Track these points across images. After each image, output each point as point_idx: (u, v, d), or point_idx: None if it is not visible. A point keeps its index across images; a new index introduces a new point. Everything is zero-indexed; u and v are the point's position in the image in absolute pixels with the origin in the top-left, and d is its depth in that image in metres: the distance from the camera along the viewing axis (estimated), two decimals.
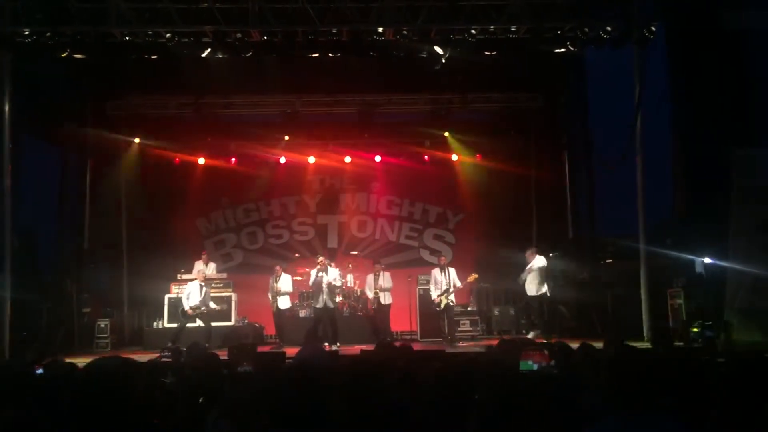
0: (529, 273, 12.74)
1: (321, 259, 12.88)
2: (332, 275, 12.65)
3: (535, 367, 5.49)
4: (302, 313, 14.05)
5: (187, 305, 12.63)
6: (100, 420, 2.12)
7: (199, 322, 12.80)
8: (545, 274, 12.73)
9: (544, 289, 12.68)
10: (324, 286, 12.47)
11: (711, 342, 10.01)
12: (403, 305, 14.13)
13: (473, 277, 13.24)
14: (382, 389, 3.46)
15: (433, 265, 13.89)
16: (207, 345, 11.77)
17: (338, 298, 12.85)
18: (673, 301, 12.10)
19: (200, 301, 12.58)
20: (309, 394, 3.02)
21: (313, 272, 12.74)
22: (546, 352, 5.48)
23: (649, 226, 12.26)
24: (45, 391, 3.33)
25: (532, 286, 12.70)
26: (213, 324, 12.88)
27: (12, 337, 11.13)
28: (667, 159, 12.81)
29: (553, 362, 5.47)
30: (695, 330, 10.98)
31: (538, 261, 12.79)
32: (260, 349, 12.04)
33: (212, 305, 12.75)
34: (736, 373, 2.96)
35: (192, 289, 12.74)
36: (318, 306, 12.62)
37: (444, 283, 12.97)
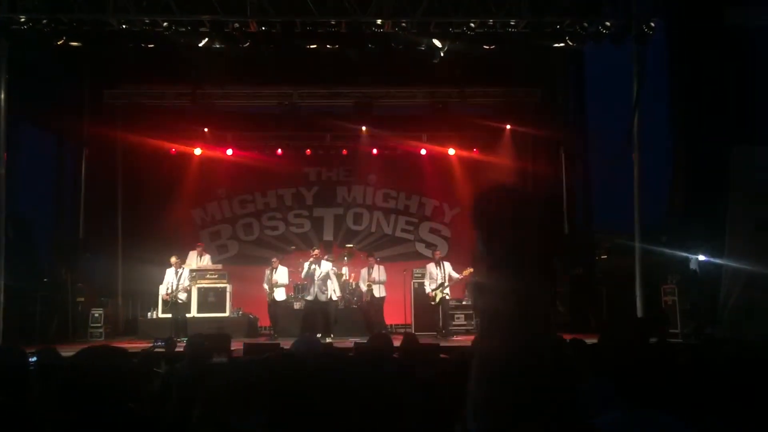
0: None
1: (315, 251, 12.87)
2: (325, 268, 12.60)
3: None
4: (297, 305, 14.03)
5: (162, 291, 12.77)
6: (88, 408, 2.11)
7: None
8: None
9: None
10: (316, 278, 12.44)
11: (710, 338, 10.03)
12: (398, 298, 14.13)
13: (468, 271, 13.24)
14: (378, 381, 3.44)
15: (429, 259, 13.89)
16: (172, 337, 11.89)
17: (330, 291, 12.73)
18: (667, 297, 12.13)
19: (175, 286, 12.60)
20: (299, 386, 3.00)
21: (306, 264, 12.71)
22: None
23: (645, 222, 12.25)
24: (37, 380, 3.32)
25: None
26: (204, 315, 13.01)
27: (5, 324, 11.10)
28: (665, 156, 12.82)
29: None
30: (689, 326, 11.02)
31: None
32: (253, 340, 12.10)
33: (181, 295, 12.68)
34: (735, 368, 2.96)
35: (167, 277, 12.79)
36: (309, 298, 12.60)
37: (439, 277, 12.98)
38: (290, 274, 13.56)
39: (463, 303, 14.39)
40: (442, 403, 3.49)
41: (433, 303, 13.06)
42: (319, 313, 12.56)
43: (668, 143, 12.76)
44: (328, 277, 12.64)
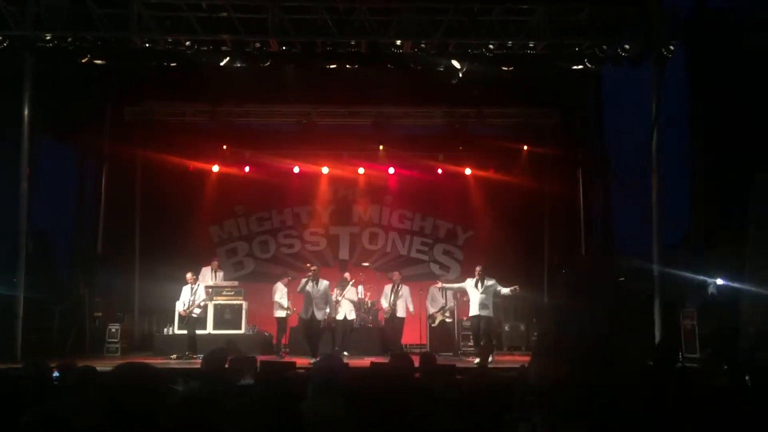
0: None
1: (313, 268, 12.49)
2: (323, 285, 12.27)
3: None
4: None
5: (179, 308, 12.83)
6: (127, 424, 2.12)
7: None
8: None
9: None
10: (313, 296, 12.06)
11: (730, 364, 9.87)
12: (413, 318, 14.05)
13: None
14: (398, 402, 3.42)
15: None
16: (187, 353, 12.08)
17: (336, 310, 12.52)
18: (686, 321, 11.98)
19: (190, 302, 12.68)
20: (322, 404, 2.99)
21: (303, 280, 12.38)
22: None
23: (663, 246, 12.15)
24: (67, 394, 3.33)
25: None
26: (219, 332, 13.13)
27: (24, 337, 11.16)
28: (684, 179, 12.74)
29: None
30: (708, 352, 10.87)
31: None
32: (268, 358, 12.04)
33: (196, 311, 12.73)
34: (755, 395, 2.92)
35: (183, 294, 12.85)
36: (304, 317, 12.20)
37: (440, 300, 13.03)
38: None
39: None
40: (470, 426, 3.46)
41: (432, 325, 13.09)
42: (311, 331, 12.18)
43: (687, 166, 12.70)
44: (326, 294, 12.34)
